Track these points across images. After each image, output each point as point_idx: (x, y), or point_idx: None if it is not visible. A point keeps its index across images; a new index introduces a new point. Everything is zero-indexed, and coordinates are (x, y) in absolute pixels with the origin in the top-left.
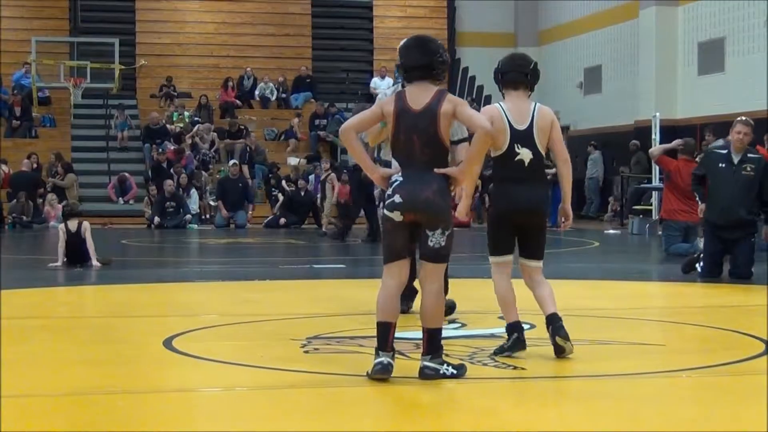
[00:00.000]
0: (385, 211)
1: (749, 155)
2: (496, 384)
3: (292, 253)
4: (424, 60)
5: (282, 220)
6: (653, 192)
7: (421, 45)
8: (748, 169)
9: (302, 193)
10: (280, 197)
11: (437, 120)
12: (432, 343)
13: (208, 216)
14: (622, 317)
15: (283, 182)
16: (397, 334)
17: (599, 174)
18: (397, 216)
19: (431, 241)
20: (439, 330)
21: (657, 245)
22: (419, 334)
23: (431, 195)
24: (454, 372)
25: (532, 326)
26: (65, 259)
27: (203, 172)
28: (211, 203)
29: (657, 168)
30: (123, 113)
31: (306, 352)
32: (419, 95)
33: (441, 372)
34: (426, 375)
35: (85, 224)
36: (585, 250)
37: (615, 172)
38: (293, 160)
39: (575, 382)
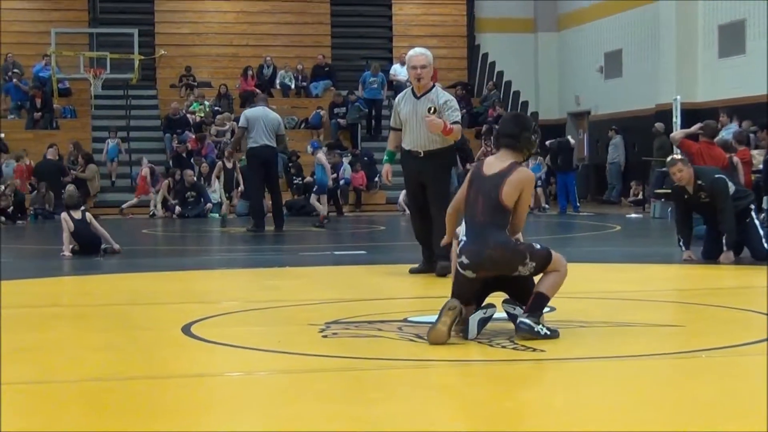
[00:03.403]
0: (458, 268)
1: (699, 182)
2: (515, 366)
3: (312, 240)
4: (514, 130)
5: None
6: None
7: (515, 117)
8: (703, 196)
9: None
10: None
11: (501, 185)
12: (535, 304)
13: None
14: (642, 299)
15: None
16: (414, 318)
17: (620, 158)
18: (469, 274)
19: (525, 272)
20: (547, 298)
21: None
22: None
23: (491, 251)
24: (548, 332)
25: (552, 309)
26: (76, 248)
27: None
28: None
29: (679, 152)
30: (115, 134)
31: (324, 336)
32: (495, 162)
33: (535, 330)
34: (521, 329)
35: (88, 214)
36: (606, 234)
37: (636, 157)
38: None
39: (594, 363)
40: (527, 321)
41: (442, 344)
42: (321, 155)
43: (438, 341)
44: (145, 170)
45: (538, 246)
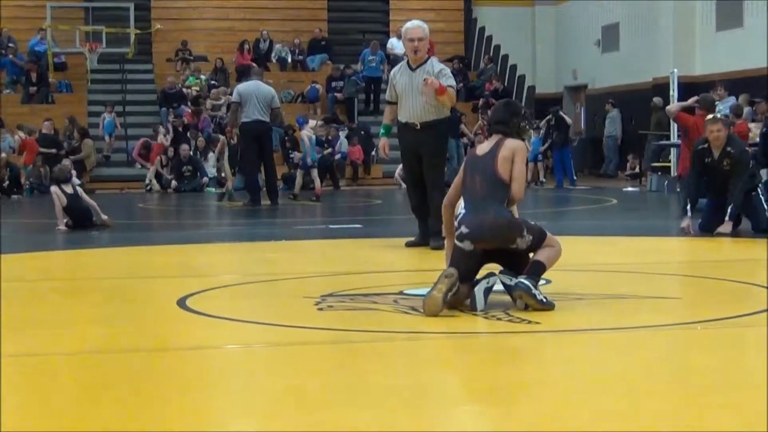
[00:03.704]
0: (456, 241)
1: (728, 149)
2: (511, 338)
3: (308, 214)
4: (505, 117)
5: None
6: (671, 149)
7: (506, 105)
8: (725, 163)
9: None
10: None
11: (495, 158)
12: (533, 269)
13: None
14: (638, 272)
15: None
16: (410, 291)
17: (617, 132)
18: (467, 245)
19: (522, 246)
20: (544, 267)
21: (675, 202)
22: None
23: (491, 220)
24: (544, 300)
25: (548, 281)
26: (70, 222)
27: (220, 136)
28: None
29: (675, 125)
30: (111, 109)
31: (320, 309)
32: (486, 144)
33: (533, 292)
34: (519, 287)
35: (79, 188)
36: (603, 207)
37: (633, 130)
38: (311, 122)
39: (589, 335)
40: (526, 282)
41: (437, 315)
42: (304, 132)
43: (433, 308)
44: (138, 144)
45: (533, 222)
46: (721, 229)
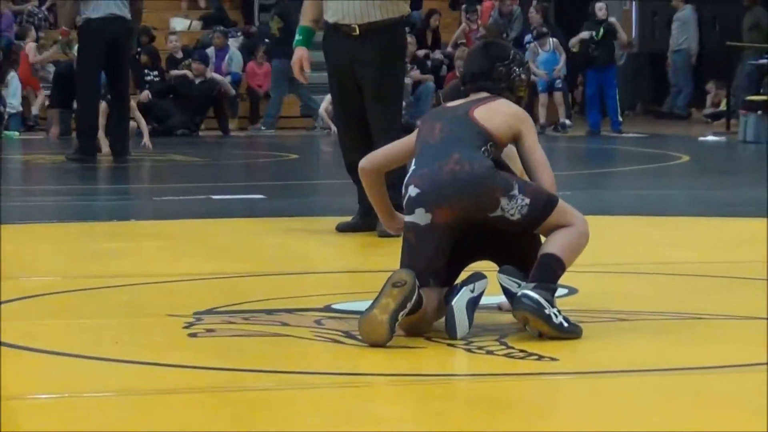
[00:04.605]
0: (405, 217)
1: None
2: (510, 386)
3: (176, 177)
4: (484, 66)
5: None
6: None
7: (484, 48)
8: None
9: (196, 81)
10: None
11: (473, 107)
12: (544, 270)
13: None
14: (722, 275)
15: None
16: (341, 305)
17: (691, 44)
18: (421, 216)
19: (511, 215)
20: (561, 263)
21: None
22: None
23: (454, 166)
24: (564, 324)
25: (571, 290)
26: None
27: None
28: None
29: None
30: None
31: (192, 335)
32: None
33: (546, 313)
34: (522, 305)
35: None
36: (667, 167)
37: (717, 41)
38: (181, 23)
39: (641, 380)
40: (533, 295)
41: (383, 345)
42: None
43: (374, 336)
44: None
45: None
46: None
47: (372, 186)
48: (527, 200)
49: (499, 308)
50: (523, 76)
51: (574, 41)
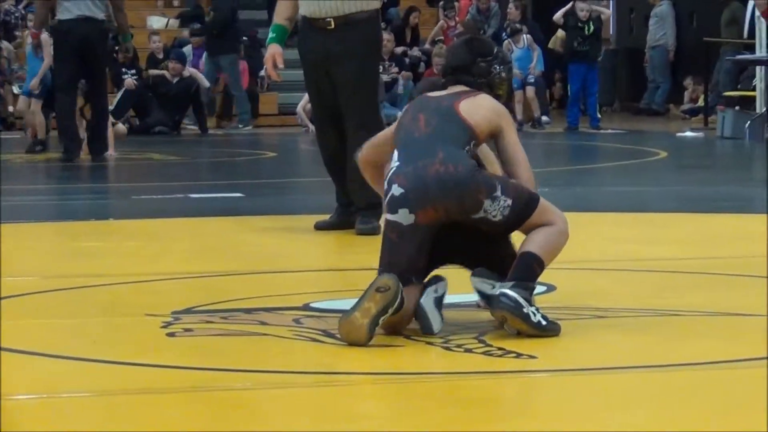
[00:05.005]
0: (387, 215)
1: None
2: (488, 384)
3: (155, 176)
4: (466, 59)
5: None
6: (758, 68)
7: (467, 43)
8: None
9: (174, 80)
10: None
11: (457, 100)
12: (523, 269)
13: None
14: (701, 272)
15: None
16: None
17: (668, 40)
18: (404, 216)
19: (493, 216)
20: (540, 262)
21: (763, 155)
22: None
23: (439, 167)
24: (543, 322)
25: (549, 288)
26: None
27: (4, 43)
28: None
29: (765, 25)
30: None
31: (171, 335)
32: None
33: (524, 311)
34: (501, 305)
35: None
36: (645, 164)
37: (695, 37)
38: (158, 22)
39: (619, 377)
40: (512, 294)
41: (363, 345)
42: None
43: (353, 337)
44: None
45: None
46: None
47: (374, 180)
48: (509, 201)
49: (478, 306)
50: (503, 75)
51: (557, 17)
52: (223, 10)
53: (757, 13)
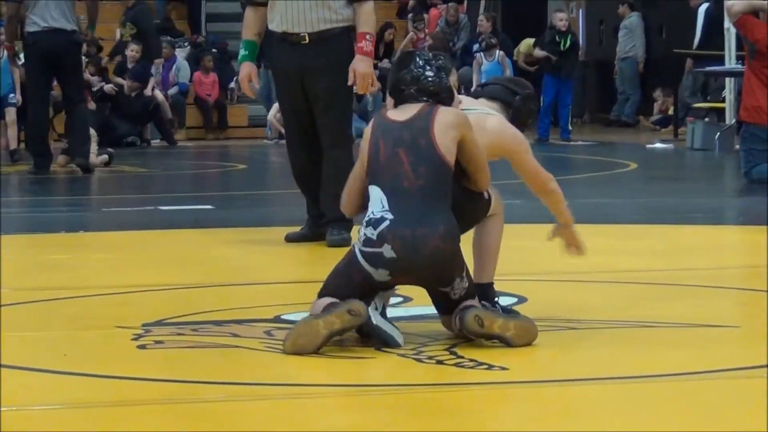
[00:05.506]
0: (362, 261)
1: None
2: (460, 396)
3: (124, 188)
4: (394, 80)
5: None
6: (728, 79)
7: (394, 64)
8: None
9: (133, 93)
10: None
11: (430, 130)
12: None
13: None
14: (672, 283)
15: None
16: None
17: (638, 52)
18: (382, 275)
19: (454, 294)
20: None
21: (733, 166)
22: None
23: (440, 243)
24: (509, 308)
25: (520, 299)
26: None
27: None
28: None
29: (734, 36)
30: None
31: (141, 347)
32: (401, 111)
33: (494, 308)
34: (468, 310)
35: None
36: (616, 175)
37: (664, 48)
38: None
39: (592, 388)
40: (472, 302)
41: (306, 352)
42: None
43: (302, 343)
44: None
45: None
46: None
47: (354, 208)
48: (466, 283)
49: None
50: (428, 74)
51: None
52: (145, 21)
53: (727, 24)
